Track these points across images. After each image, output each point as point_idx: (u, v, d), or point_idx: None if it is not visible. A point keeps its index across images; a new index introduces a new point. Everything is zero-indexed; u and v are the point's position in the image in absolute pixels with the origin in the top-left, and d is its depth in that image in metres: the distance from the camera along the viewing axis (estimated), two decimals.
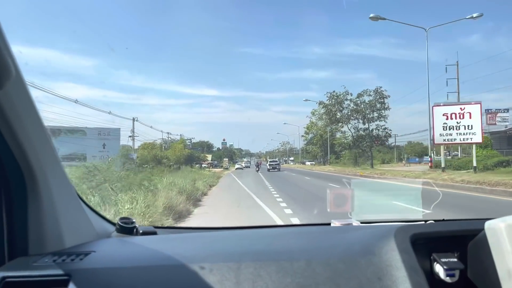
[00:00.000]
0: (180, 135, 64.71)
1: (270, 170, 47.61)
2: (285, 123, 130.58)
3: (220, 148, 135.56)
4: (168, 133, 64.55)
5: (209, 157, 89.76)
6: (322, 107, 50.23)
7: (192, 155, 61.09)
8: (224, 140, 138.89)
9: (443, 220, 1.53)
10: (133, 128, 44.96)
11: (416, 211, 1.82)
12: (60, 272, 0.99)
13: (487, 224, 1.03)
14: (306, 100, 74.47)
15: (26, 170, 1.03)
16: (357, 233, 1.25)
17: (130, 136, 44.55)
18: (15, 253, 1.07)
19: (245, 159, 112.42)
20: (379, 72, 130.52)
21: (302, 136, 77.19)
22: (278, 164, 53.32)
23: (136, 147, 54.65)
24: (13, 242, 1.07)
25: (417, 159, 70.79)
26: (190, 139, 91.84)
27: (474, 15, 25.20)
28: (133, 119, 45.07)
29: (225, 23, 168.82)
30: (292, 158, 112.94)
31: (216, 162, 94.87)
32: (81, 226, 1.30)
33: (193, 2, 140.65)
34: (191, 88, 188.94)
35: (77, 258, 1.07)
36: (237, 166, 71.39)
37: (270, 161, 57.65)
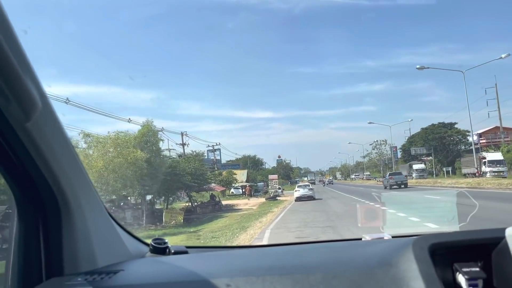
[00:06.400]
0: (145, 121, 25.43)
1: (327, 184, 71.52)
2: (349, 143, 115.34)
3: (275, 166, 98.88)
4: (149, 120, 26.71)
5: (241, 174, 50.64)
6: None
7: (179, 176, 22.77)
8: (279, 157, 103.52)
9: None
10: None
11: (452, 223, 1.74)
12: None
13: (508, 231, 1.01)
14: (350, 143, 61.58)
15: (60, 194, 1.09)
16: (379, 245, 1.24)
17: None
18: (51, 273, 1.11)
19: (306, 178, 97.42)
20: (437, 80, 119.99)
21: None
22: (332, 181, 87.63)
23: None
24: (49, 263, 1.12)
25: None
26: (213, 145, 54.34)
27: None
28: None
29: (275, 45, 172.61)
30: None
31: (263, 184, 59.01)
32: (114, 246, 1.35)
33: (242, 27, 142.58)
34: (246, 112, 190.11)
35: (106, 276, 1.11)
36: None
37: (326, 180, 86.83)
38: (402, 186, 33.53)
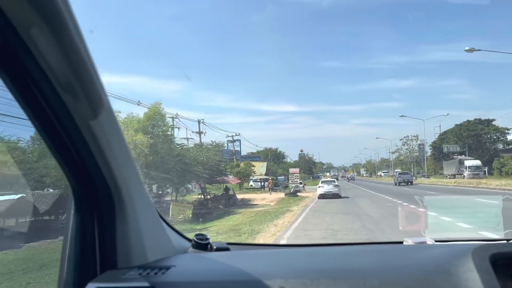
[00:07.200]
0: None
1: (350, 180, 76.27)
2: (377, 138, 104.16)
3: (297, 160, 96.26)
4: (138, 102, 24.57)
5: (260, 166, 47.82)
6: None
7: (189, 166, 20.32)
8: (302, 151, 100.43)
9: None
10: None
11: (497, 230, 1.69)
12: (146, 284, 1.06)
13: None
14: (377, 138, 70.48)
15: (115, 191, 1.12)
16: (430, 251, 1.23)
17: None
18: (105, 266, 1.15)
19: (329, 173, 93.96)
20: (469, 78, 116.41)
21: None
22: (353, 177, 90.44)
23: None
24: (103, 256, 1.15)
25: None
26: (232, 136, 51.85)
27: None
28: None
29: (302, 39, 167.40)
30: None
31: (283, 178, 56.92)
32: (162, 241, 1.38)
33: (269, 21, 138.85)
34: (271, 105, 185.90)
35: (159, 272, 1.13)
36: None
37: (349, 176, 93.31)
38: (409, 183, 40.04)
